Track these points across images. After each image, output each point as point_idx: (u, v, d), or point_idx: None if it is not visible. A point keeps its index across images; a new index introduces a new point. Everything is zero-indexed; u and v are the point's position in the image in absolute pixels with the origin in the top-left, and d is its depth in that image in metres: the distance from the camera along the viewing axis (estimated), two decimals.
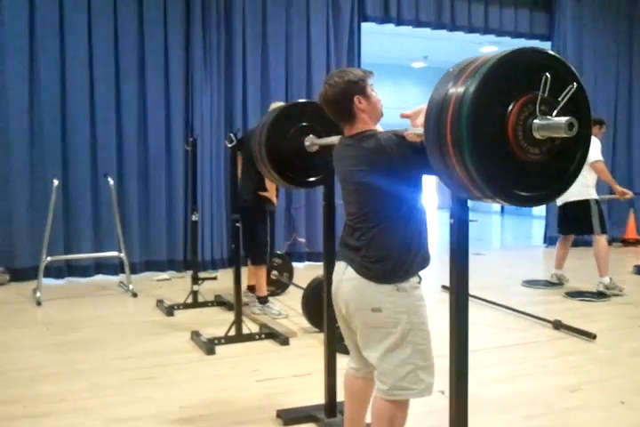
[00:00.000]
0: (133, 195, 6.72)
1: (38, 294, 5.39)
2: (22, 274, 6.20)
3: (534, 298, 5.67)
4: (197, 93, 6.89)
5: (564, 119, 1.61)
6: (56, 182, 5.63)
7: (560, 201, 5.85)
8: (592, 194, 5.67)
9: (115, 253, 6.08)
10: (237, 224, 4.30)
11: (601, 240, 5.65)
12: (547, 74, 1.66)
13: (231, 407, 3.10)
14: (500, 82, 1.64)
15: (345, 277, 2.18)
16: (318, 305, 3.61)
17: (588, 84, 8.72)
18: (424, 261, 2.16)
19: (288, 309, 5.09)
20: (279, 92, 7.29)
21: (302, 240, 7.38)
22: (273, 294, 5.51)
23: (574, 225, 5.89)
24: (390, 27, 8.19)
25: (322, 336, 3.30)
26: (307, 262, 7.49)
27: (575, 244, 6.23)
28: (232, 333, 4.16)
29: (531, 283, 6.21)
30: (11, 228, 6.27)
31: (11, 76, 6.21)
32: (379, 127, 2.31)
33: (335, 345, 2.91)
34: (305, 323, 4.51)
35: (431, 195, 17.43)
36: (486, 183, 1.65)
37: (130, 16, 6.61)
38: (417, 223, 2.13)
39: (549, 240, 8.91)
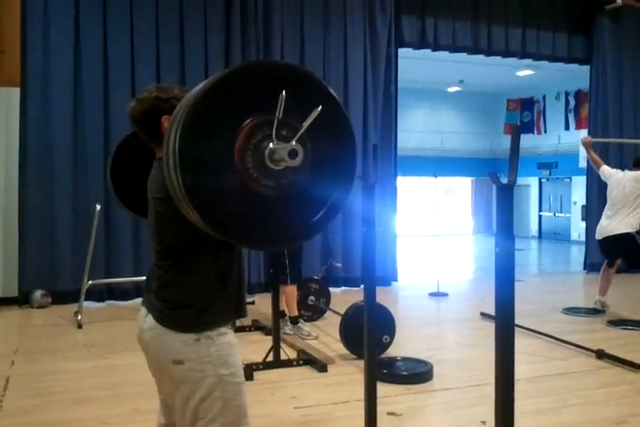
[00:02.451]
0: None
1: (79, 317, 5.48)
2: (64, 297, 6.30)
3: (576, 326, 5.55)
4: None
5: (287, 145, 1.40)
6: (98, 207, 5.75)
7: (600, 235, 5.80)
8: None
9: None
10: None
11: None
12: (283, 92, 1.40)
13: None
14: (226, 99, 1.40)
15: (145, 326, 1.91)
16: (356, 331, 3.61)
17: (628, 107, 8.47)
18: (237, 305, 1.88)
19: (325, 335, 5.08)
20: None
21: (338, 265, 7.38)
22: (310, 319, 5.51)
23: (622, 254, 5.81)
24: (426, 51, 8.25)
25: (360, 363, 3.29)
26: (343, 287, 7.46)
27: (617, 271, 6.10)
28: (270, 358, 4.16)
29: (571, 310, 6.09)
30: (53, 252, 6.41)
31: (55, 102, 6.40)
32: None
33: (376, 372, 2.88)
34: (343, 349, 4.48)
35: (466, 219, 17.29)
36: (202, 216, 1.42)
37: (171, 38, 6.84)
38: (229, 261, 1.83)
39: (590, 267, 8.72)
